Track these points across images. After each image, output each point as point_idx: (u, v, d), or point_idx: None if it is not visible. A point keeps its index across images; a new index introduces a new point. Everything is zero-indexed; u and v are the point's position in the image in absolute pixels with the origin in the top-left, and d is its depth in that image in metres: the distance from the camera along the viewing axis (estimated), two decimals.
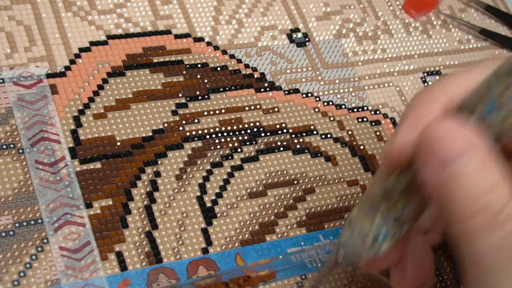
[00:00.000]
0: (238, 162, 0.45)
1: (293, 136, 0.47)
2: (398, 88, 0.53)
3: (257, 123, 0.47)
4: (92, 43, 0.46)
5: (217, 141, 0.45)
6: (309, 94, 0.50)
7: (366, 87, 0.52)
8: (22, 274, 0.37)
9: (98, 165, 0.42)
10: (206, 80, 0.47)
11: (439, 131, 0.28)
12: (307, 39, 0.52)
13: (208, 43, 0.49)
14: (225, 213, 0.43)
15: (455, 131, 0.28)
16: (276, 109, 0.48)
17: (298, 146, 0.47)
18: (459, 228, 0.28)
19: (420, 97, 0.31)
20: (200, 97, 0.47)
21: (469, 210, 0.28)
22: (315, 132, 0.48)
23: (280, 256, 0.41)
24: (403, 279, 0.35)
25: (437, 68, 0.55)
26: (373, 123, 0.50)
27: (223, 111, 0.47)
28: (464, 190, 0.28)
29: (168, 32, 0.49)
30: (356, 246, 0.31)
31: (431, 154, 0.28)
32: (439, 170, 0.28)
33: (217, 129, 0.46)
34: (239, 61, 0.49)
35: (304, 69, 0.51)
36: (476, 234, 0.28)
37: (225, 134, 0.46)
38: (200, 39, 0.49)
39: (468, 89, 0.29)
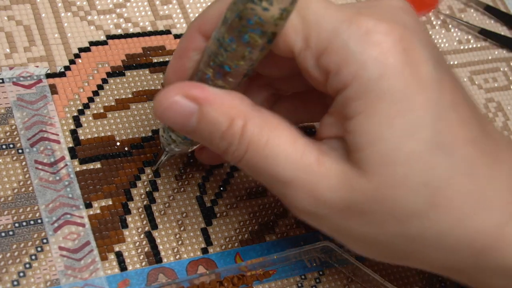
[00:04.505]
0: None
1: None
2: None
3: None
4: (92, 43, 0.46)
5: None
6: None
7: None
8: (21, 274, 0.37)
9: (97, 165, 0.42)
10: None
11: (167, 103, 0.34)
12: None
13: None
14: (225, 213, 0.43)
15: (179, 100, 0.34)
16: None
17: None
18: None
19: (186, 30, 0.37)
20: None
21: (218, 151, 0.34)
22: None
23: (275, 256, 0.41)
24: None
25: None
26: None
27: None
28: (208, 139, 0.34)
29: (167, 32, 0.49)
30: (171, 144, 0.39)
31: (170, 122, 0.35)
32: (183, 131, 0.35)
33: None
34: None
35: None
36: (235, 163, 0.35)
37: None
38: None
39: (215, 21, 0.35)
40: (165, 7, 0.50)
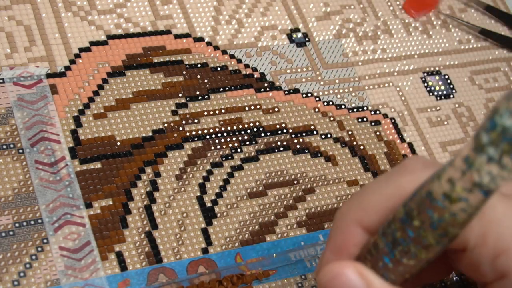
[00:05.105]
0: (238, 162, 0.45)
1: (293, 136, 0.47)
2: (398, 88, 0.53)
3: (257, 123, 0.47)
4: (92, 43, 0.46)
5: (217, 141, 0.45)
6: (309, 94, 0.50)
7: (366, 87, 0.52)
8: (22, 274, 0.37)
9: (98, 165, 0.42)
10: (206, 80, 0.47)
11: (337, 273, 0.31)
12: (307, 39, 0.52)
13: (208, 43, 0.49)
14: (225, 213, 0.43)
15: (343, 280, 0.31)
16: (276, 109, 0.48)
17: (298, 146, 0.47)
18: None
19: (336, 220, 0.34)
20: (200, 97, 0.47)
21: None
22: (315, 132, 0.48)
23: (274, 254, 0.41)
24: None
25: (437, 68, 0.55)
26: (373, 123, 0.50)
27: (223, 111, 0.47)
28: None
29: (168, 32, 0.49)
30: None
31: None
32: None
33: (217, 129, 0.46)
34: (239, 61, 0.49)
35: (304, 69, 0.51)
36: None
37: (225, 134, 0.46)
38: (200, 39, 0.49)
39: (379, 213, 0.32)
40: (165, 7, 0.50)
